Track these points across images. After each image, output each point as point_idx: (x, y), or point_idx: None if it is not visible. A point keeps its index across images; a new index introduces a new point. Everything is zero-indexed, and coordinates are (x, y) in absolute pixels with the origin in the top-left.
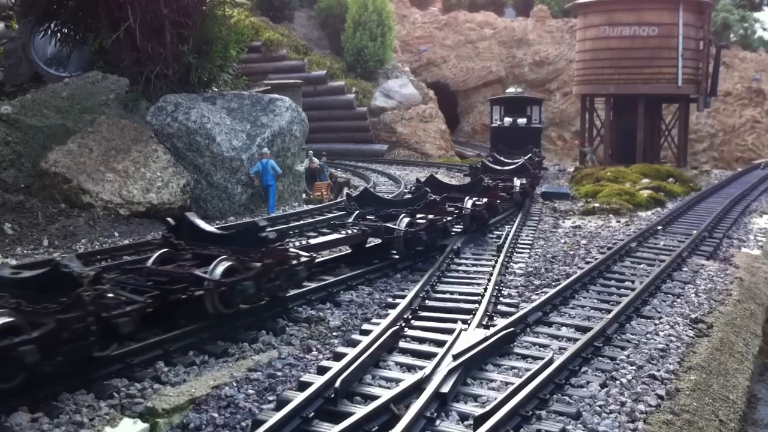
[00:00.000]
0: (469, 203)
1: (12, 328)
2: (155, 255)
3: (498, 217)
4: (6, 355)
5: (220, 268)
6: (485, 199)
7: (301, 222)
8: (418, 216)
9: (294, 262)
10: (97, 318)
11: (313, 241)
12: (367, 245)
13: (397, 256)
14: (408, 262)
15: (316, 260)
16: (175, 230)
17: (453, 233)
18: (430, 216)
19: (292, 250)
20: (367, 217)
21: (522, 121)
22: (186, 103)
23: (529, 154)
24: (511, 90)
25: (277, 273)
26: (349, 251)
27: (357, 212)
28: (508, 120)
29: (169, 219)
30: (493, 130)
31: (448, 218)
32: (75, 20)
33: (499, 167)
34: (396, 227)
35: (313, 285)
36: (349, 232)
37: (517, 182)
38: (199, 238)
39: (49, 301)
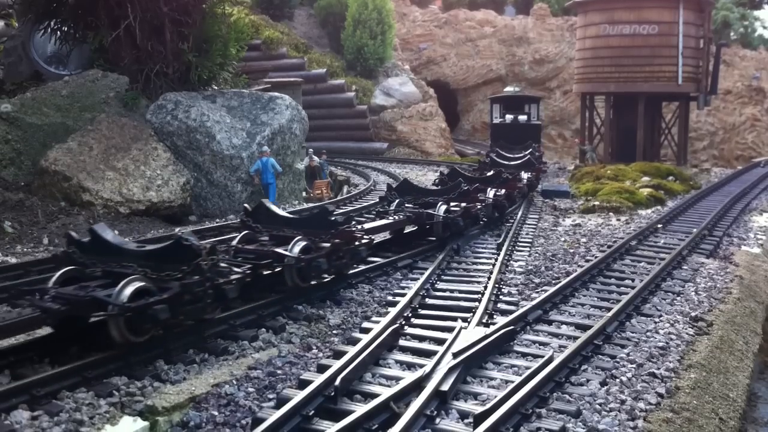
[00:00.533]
0: (491, 194)
1: (145, 290)
2: (239, 236)
3: (514, 206)
4: (143, 313)
5: (297, 247)
6: (504, 190)
7: None
8: (452, 204)
9: (357, 243)
10: (211, 284)
11: (366, 226)
12: (405, 231)
13: (433, 239)
14: (408, 260)
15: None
16: (251, 215)
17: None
18: (463, 204)
19: (357, 231)
20: (406, 205)
21: (523, 118)
22: (186, 101)
23: (530, 149)
24: (509, 89)
25: (344, 252)
26: (389, 237)
27: (397, 200)
28: (509, 117)
29: (246, 205)
30: (495, 126)
31: (479, 206)
32: (75, 18)
33: (506, 162)
34: (435, 213)
35: (313, 282)
36: (395, 218)
37: (524, 175)
38: (274, 222)
39: (170, 270)
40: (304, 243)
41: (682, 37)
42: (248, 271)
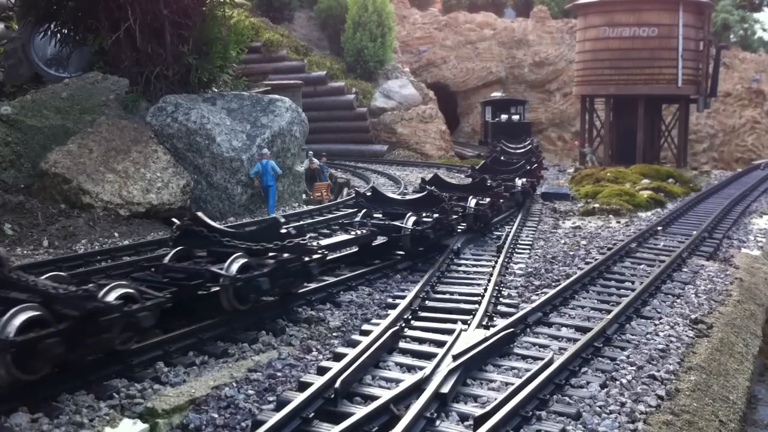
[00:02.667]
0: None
1: (418, 221)
2: (420, 195)
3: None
4: (422, 233)
5: (472, 203)
6: (532, 173)
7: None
8: (525, 179)
9: (501, 200)
10: (449, 220)
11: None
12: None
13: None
14: (408, 262)
15: None
16: (432, 184)
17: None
18: (529, 178)
19: (503, 191)
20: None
21: (516, 117)
22: (186, 103)
23: (529, 141)
24: (496, 94)
25: (497, 205)
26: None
27: (482, 177)
28: (504, 116)
29: (423, 177)
30: (493, 124)
31: (536, 180)
32: (75, 21)
33: (513, 151)
34: (515, 185)
35: (313, 285)
36: (496, 188)
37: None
38: (447, 188)
39: (423, 211)
40: (476, 199)
41: (682, 40)
42: (460, 216)
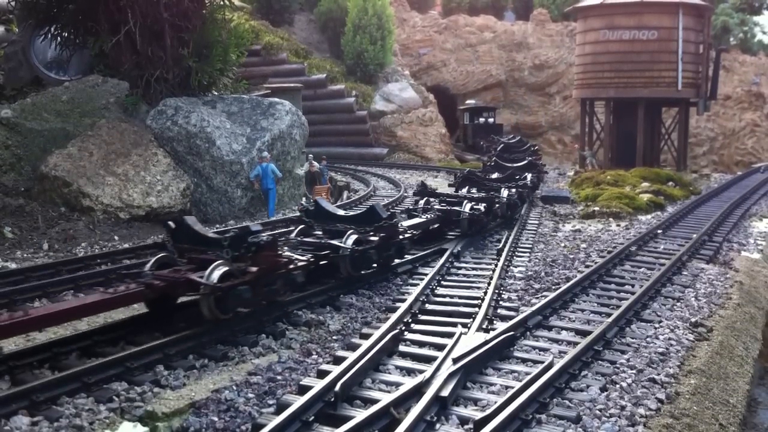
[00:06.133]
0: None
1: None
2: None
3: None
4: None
5: (519, 184)
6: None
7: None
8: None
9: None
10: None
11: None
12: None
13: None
14: (408, 266)
15: None
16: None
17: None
18: (534, 159)
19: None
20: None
21: (491, 120)
22: (186, 106)
23: (512, 135)
24: (470, 101)
25: (539, 179)
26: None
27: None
28: (482, 120)
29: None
30: (473, 126)
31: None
32: (75, 24)
33: (508, 142)
34: (530, 164)
35: (314, 289)
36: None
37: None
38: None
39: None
40: (521, 182)
41: (682, 43)
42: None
